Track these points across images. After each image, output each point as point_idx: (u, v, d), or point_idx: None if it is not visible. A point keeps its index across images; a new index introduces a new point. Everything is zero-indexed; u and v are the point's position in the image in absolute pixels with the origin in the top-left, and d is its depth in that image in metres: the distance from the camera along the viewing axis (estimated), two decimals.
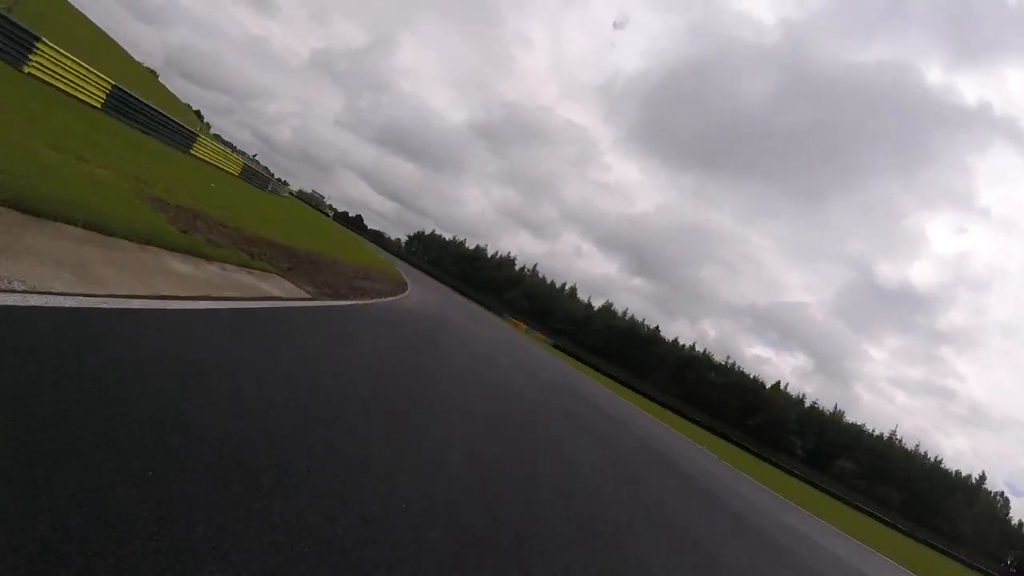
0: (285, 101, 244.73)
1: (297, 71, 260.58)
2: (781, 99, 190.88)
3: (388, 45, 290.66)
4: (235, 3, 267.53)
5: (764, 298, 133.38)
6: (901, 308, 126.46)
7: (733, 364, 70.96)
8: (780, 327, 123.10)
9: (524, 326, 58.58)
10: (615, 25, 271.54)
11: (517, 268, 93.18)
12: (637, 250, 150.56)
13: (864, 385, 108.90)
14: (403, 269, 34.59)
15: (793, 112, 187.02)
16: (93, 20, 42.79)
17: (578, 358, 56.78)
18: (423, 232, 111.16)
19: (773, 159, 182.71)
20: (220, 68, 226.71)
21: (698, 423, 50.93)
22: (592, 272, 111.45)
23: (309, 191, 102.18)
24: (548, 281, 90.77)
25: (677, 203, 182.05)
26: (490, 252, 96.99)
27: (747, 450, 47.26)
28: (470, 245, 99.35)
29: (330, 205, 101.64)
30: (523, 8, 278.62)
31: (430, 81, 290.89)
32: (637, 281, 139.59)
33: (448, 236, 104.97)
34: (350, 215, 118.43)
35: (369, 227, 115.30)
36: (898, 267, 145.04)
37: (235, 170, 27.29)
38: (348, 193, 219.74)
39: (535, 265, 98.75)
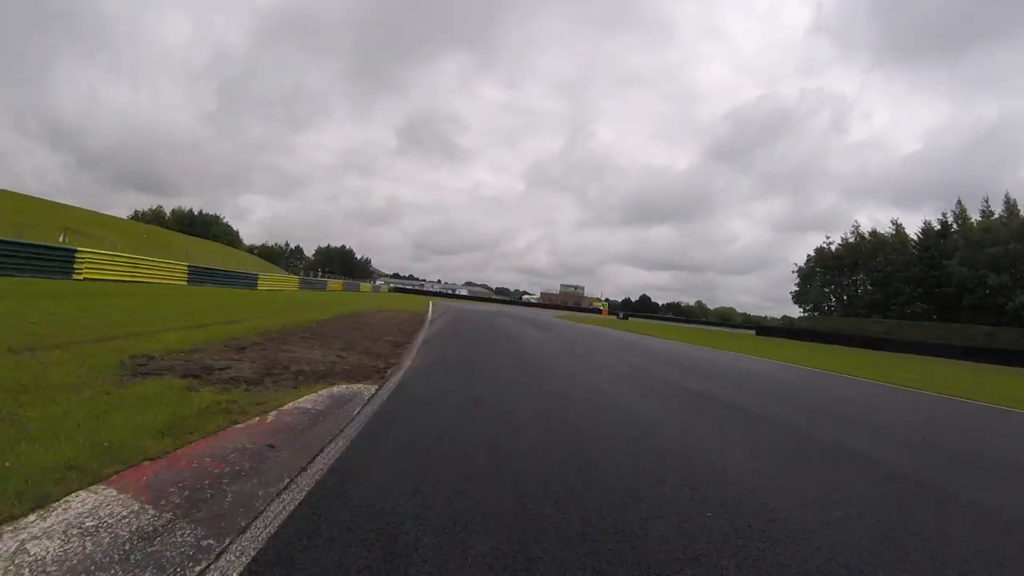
0: (526, 230, 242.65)
1: (520, 197, 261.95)
2: None
3: (585, 133, 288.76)
4: (435, 169, 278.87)
5: None
6: None
7: None
8: None
9: None
10: None
11: None
12: (942, 187, 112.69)
13: None
14: None
15: None
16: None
17: None
18: (827, 246, 54.78)
19: None
20: (459, 230, 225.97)
21: None
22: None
23: (555, 291, 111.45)
24: None
25: (968, 107, 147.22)
26: None
27: None
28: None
29: (605, 299, 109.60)
30: (677, 39, 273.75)
31: (641, 143, 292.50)
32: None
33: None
34: (632, 300, 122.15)
35: (661, 303, 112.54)
36: None
37: (295, 286, 34.85)
38: (622, 283, 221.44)
39: None
